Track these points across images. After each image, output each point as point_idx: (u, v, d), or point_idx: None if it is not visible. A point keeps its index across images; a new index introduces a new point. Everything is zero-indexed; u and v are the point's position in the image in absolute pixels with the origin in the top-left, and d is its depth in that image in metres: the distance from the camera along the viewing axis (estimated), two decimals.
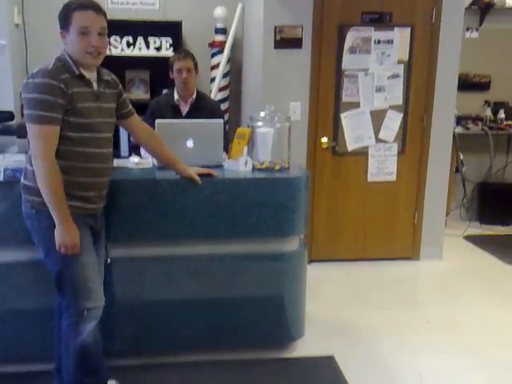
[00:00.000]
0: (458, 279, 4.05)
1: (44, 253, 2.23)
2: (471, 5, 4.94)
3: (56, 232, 2.11)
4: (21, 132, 2.66)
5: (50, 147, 2.06)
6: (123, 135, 4.16)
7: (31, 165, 2.11)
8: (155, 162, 2.75)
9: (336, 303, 3.59)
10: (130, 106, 2.46)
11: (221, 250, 2.72)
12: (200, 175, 2.57)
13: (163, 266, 2.68)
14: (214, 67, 4.75)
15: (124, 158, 3.31)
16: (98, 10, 2.16)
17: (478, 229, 5.20)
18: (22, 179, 2.22)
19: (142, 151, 3.16)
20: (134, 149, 3.32)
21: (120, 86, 2.42)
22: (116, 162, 2.81)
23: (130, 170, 2.75)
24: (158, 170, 2.71)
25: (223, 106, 4.65)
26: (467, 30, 5.00)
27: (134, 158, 2.84)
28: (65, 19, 2.13)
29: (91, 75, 2.21)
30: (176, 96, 3.52)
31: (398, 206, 4.31)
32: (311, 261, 4.11)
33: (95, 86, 2.23)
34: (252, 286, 2.78)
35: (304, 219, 2.81)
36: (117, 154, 3.84)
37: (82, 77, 2.16)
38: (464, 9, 4.12)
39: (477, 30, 5.12)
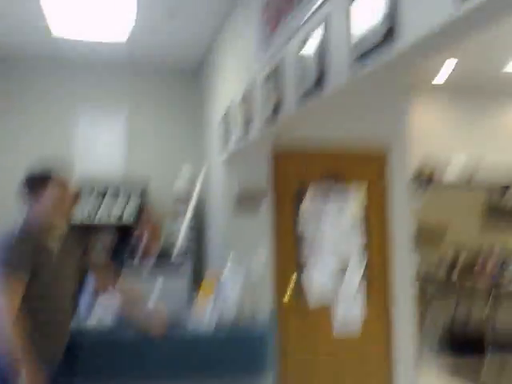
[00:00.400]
0: None
1: None
2: (414, 177, 5.37)
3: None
4: None
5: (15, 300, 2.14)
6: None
7: None
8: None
9: None
10: (94, 260, 2.65)
11: None
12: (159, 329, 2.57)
13: None
14: (178, 224, 4.81)
15: (87, 308, 3.25)
16: (68, 176, 2.40)
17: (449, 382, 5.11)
18: None
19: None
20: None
21: (84, 242, 2.59)
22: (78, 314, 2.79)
23: (91, 324, 2.71)
24: (121, 324, 2.67)
25: (189, 259, 4.68)
26: (413, 199, 5.47)
27: (97, 310, 2.81)
28: (39, 190, 2.31)
29: (55, 240, 2.34)
30: None
31: (367, 362, 4.19)
32: None
33: (58, 248, 2.34)
34: None
35: (272, 378, 2.73)
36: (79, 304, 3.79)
37: (45, 241, 2.29)
38: (409, 179, 4.46)
39: (421, 198, 5.55)
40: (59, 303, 2.30)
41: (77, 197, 2.43)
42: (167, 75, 5.43)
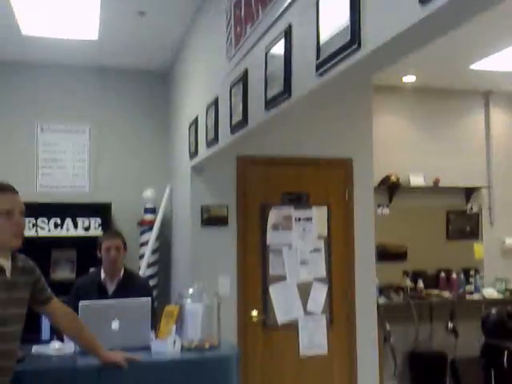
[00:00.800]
0: None
1: None
2: (379, 185, 5.48)
3: None
4: None
5: None
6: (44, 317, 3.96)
7: None
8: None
9: None
10: (48, 292, 2.37)
11: None
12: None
13: None
14: (143, 244, 4.83)
15: (45, 341, 3.13)
16: (15, 191, 2.20)
17: None
18: None
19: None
20: (57, 331, 3.16)
21: (37, 271, 2.32)
22: (35, 349, 2.67)
23: (49, 358, 2.58)
24: (81, 357, 2.56)
25: (152, 282, 4.63)
26: (378, 206, 5.46)
27: (55, 344, 2.68)
28: None
29: (5, 263, 2.14)
30: (103, 275, 3.48)
31: (331, 382, 4.21)
32: None
33: (8, 274, 2.14)
34: None
35: None
36: (37, 338, 3.66)
37: None
38: (373, 188, 4.55)
39: (387, 206, 5.61)
40: (5, 335, 2.09)
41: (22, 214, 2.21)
42: (136, 78, 5.31)
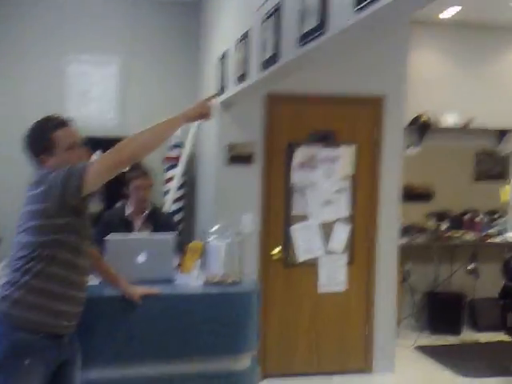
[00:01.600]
0: None
1: None
2: (410, 124, 5.35)
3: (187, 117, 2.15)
4: None
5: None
6: None
7: (20, 273, 2.05)
8: None
9: None
10: None
11: (170, 370, 2.60)
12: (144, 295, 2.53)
13: None
14: (168, 180, 4.86)
15: None
16: (72, 123, 2.20)
17: (428, 338, 5.23)
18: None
19: None
20: None
21: None
22: None
23: None
24: (106, 287, 2.66)
25: (177, 217, 4.71)
26: (408, 146, 5.37)
27: None
28: (45, 143, 2.11)
29: None
30: (129, 210, 3.55)
31: (349, 318, 4.32)
32: (265, 376, 3.99)
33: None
34: None
35: (256, 335, 2.77)
36: None
37: None
38: (403, 128, 4.45)
39: (416, 146, 5.51)
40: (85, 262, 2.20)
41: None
42: (166, 9, 5.09)
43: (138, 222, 3.53)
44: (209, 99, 2.30)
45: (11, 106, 4.77)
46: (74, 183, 1.99)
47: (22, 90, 4.85)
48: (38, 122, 2.18)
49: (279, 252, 4.17)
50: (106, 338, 2.50)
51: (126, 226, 3.49)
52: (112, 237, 2.80)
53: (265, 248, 4.17)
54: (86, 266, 2.21)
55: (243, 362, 2.73)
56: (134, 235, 3.30)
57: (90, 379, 2.49)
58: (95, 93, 5.02)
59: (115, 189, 4.48)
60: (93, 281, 2.70)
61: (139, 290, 2.53)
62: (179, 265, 3.03)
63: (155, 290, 2.58)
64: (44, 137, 2.12)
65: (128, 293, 2.50)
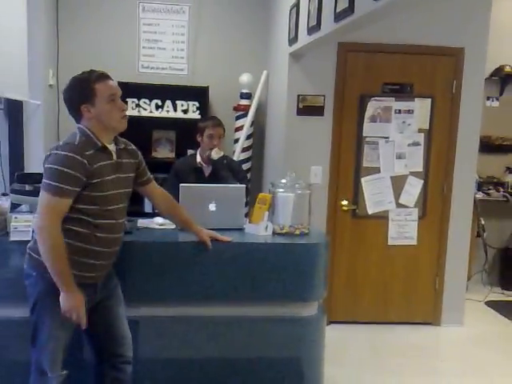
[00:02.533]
0: (479, 347, 3.97)
1: (30, 311, 2.24)
2: (491, 76, 5.07)
3: (61, 299, 2.12)
4: None
5: (57, 220, 2.08)
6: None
7: None
8: None
9: (355, 369, 3.54)
10: (149, 174, 2.51)
11: (239, 312, 2.74)
12: (213, 239, 2.63)
13: (182, 327, 2.71)
14: (238, 129, 4.91)
15: (148, 214, 3.41)
16: (111, 77, 2.27)
17: (499, 294, 5.13)
18: (31, 240, 2.26)
19: None
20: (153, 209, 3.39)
21: (140, 155, 2.45)
22: (140, 222, 2.92)
23: (153, 232, 2.83)
24: (181, 232, 2.79)
25: (246, 166, 4.78)
26: (487, 98, 5.10)
27: (158, 219, 2.92)
28: (88, 93, 2.17)
29: (111, 146, 2.26)
30: (199, 158, 3.65)
31: (418, 270, 4.29)
32: (330, 322, 4.09)
33: (115, 156, 2.27)
34: (270, 349, 2.78)
35: (324, 284, 2.83)
36: (140, 210, 3.99)
37: (104, 149, 2.21)
38: (484, 80, 4.23)
39: (497, 99, 5.23)
40: (116, 211, 2.26)
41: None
42: None
43: (208, 170, 3.63)
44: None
45: (88, 54, 4.92)
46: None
47: (97, 37, 4.97)
48: (78, 74, 2.24)
49: (348, 204, 4.17)
50: (178, 279, 2.64)
51: (197, 173, 3.59)
52: (185, 185, 2.90)
53: (334, 200, 4.17)
54: (112, 224, 2.26)
55: (310, 309, 2.81)
56: (207, 185, 3.37)
57: (161, 316, 2.67)
58: (166, 41, 5.08)
59: (185, 137, 4.64)
60: (169, 224, 2.86)
61: (212, 234, 2.64)
62: (248, 214, 3.11)
63: (226, 237, 2.67)
64: (86, 87, 2.17)
65: (201, 236, 2.60)
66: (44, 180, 2.11)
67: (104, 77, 2.23)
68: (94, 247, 2.22)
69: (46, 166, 2.13)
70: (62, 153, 2.11)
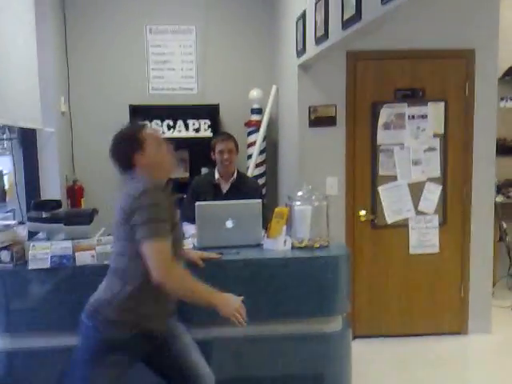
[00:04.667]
0: (509, 355, 3.85)
1: (81, 360, 2.18)
2: (504, 75, 5.00)
3: (219, 309, 2.13)
4: (68, 220, 2.78)
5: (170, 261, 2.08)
6: None
7: (123, 284, 2.12)
8: (195, 242, 2.80)
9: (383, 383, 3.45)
10: None
11: (262, 330, 2.69)
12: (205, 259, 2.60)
13: (205, 348, 2.65)
14: (250, 145, 4.90)
15: None
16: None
17: None
18: (104, 293, 2.17)
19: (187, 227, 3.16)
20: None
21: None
22: None
23: None
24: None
25: (260, 181, 4.75)
26: (501, 99, 5.02)
27: None
28: (138, 141, 2.16)
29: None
30: (217, 175, 3.64)
31: (442, 279, 4.19)
32: (355, 336, 3.99)
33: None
34: (295, 367, 2.73)
35: (347, 297, 2.78)
36: None
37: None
38: (497, 80, 4.16)
39: (511, 99, 5.15)
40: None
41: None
42: None
43: (225, 187, 3.61)
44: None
45: (98, 79, 4.95)
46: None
47: (107, 62, 5.02)
48: (121, 129, 2.24)
49: (366, 214, 4.10)
50: None
51: (214, 190, 3.58)
52: (201, 202, 2.87)
53: (351, 210, 4.11)
54: None
55: (335, 324, 2.75)
56: (223, 202, 3.34)
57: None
58: (175, 61, 5.10)
59: (198, 156, 4.63)
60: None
61: (199, 254, 2.61)
62: (266, 229, 3.06)
63: (214, 254, 2.64)
64: (135, 136, 2.18)
65: (190, 257, 2.57)
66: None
67: (145, 125, 2.28)
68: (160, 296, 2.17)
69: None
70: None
